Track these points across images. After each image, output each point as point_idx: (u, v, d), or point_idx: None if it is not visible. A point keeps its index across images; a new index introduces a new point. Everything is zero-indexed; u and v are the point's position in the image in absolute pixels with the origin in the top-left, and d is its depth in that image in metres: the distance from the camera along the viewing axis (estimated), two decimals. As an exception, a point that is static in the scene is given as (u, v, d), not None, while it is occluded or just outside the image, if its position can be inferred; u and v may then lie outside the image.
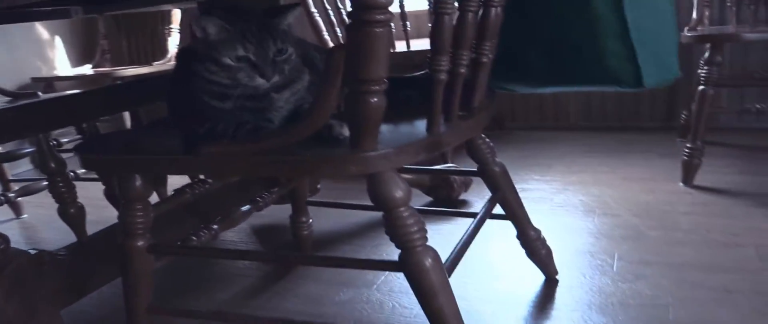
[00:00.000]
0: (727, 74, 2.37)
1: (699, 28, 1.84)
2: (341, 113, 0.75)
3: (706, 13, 1.88)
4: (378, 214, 1.69)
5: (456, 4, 0.76)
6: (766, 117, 2.38)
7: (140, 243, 0.95)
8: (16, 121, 1.15)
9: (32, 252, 1.09)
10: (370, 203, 1.42)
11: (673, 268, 1.27)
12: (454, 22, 0.76)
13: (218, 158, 0.78)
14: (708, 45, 1.71)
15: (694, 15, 1.86)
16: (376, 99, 0.68)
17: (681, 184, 1.79)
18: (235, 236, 1.72)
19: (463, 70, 0.80)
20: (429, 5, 2.10)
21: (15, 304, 0.98)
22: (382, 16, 0.63)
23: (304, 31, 2.84)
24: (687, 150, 1.77)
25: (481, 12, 0.85)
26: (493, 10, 0.84)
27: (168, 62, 2.94)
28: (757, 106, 1.81)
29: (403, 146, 0.74)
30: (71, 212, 1.38)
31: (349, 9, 0.65)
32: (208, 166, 0.80)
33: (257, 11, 0.82)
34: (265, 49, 0.78)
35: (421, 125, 0.82)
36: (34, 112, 1.25)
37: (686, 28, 1.81)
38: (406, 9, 2.14)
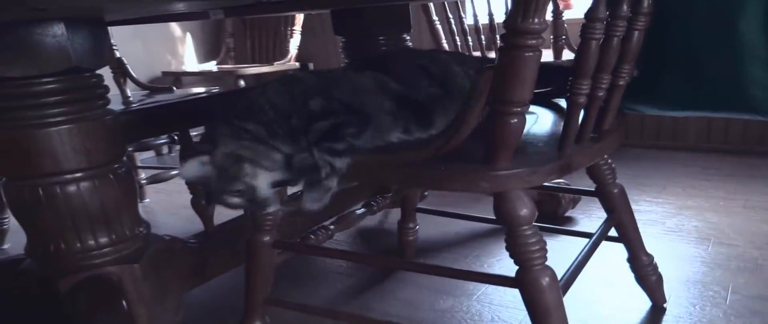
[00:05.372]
0: None
1: None
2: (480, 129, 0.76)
3: None
4: (482, 226, 1.68)
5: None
6: None
7: (267, 238, 1.02)
8: (167, 116, 1.24)
9: (166, 238, 1.18)
10: (475, 214, 1.42)
11: (798, 309, 1.19)
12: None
13: (366, 167, 0.81)
14: None
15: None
16: (516, 120, 0.69)
17: (812, 217, 1.66)
18: (339, 236, 1.77)
19: (601, 94, 0.79)
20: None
21: (150, 285, 1.07)
22: (534, 41, 0.63)
23: (421, 34, 2.85)
24: (823, 182, 1.63)
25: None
26: (636, 33, 0.82)
27: (287, 62, 3.06)
28: None
29: (537, 167, 0.73)
30: (202, 204, 1.47)
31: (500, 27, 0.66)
32: (357, 174, 0.83)
33: None
34: None
35: (551, 144, 0.82)
36: (181, 109, 1.32)
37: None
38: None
